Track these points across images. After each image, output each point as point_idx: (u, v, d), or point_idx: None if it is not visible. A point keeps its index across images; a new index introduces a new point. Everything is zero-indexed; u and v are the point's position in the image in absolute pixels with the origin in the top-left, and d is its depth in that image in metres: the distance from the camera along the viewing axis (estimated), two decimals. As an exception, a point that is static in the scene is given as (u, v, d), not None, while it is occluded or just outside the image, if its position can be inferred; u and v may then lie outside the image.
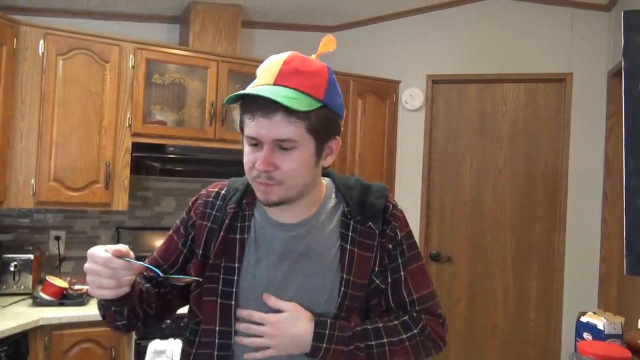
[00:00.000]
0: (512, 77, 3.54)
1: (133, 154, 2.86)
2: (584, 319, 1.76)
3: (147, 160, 2.95)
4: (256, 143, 1.04)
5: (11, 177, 2.60)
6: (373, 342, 1.09)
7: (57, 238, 3.00)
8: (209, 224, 1.17)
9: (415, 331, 1.13)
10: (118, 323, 1.14)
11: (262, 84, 1.03)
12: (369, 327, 1.11)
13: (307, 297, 1.11)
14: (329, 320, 1.08)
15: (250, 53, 3.55)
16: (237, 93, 1.01)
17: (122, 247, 1.00)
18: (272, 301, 1.10)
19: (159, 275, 1.07)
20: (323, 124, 1.04)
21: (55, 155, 2.68)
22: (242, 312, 1.11)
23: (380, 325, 1.12)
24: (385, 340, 1.10)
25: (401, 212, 1.20)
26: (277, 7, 3.43)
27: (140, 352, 2.49)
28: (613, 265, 3.24)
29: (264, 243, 1.14)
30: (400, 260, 1.15)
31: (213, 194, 1.21)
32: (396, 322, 1.14)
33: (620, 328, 1.67)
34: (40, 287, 2.61)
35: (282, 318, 1.08)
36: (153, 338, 2.50)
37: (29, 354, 2.36)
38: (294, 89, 1.00)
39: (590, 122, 3.38)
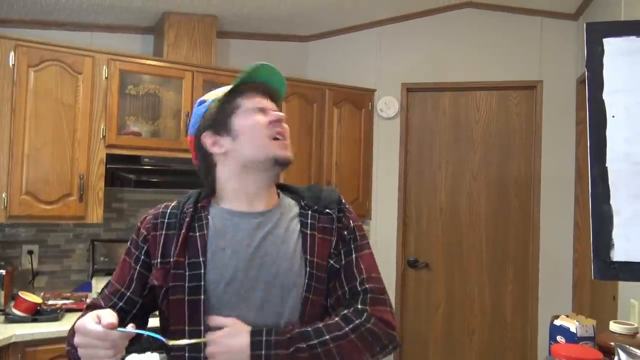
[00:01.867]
0: (485, 85, 3.61)
1: (107, 166, 2.82)
2: (557, 322, 1.78)
3: (122, 171, 2.92)
4: (264, 109, 1.24)
5: (-18, 191, 2.55)
6: (315, 341, 1.10)
7: (30, 252, 2.94)
8: (164, 232, 1.22)
9: (358, 321, 1.14)
10: None
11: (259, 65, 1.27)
12: (309, 328, 1.12)
13: (275, 280, 1.15)
14: (264, 328, 1.10)
15: (225, 63, 3.55)
16: (257, 67, 1.26)
17: (112, 318, 1.00)
18: (213, 320, 1.12)
19: (164, 342, 1.06)
20: None
21: (27, 169, 2.63)
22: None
23: (320, 325, 1.13)
24: (327, 337, 1.11)
25: (351, 207, 1.32)
26: (252, 17, 3.44)
27: (117, 367, 2.45)
28: (585, 269, 3.30)
29: (227, 232, 1.20)
30: (352, 245, 1.24)
31: (161, 208, 1.28)
32: (337, 319, 1.15)
33: (592, 330, 1.70)
34: (12, 303, 2.56)
35: (222, 334, 1.10)
36: (131, 352, 2.46)
37: (2, 371, 2.31)
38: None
39: (560, 128, 3.46)
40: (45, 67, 2.68)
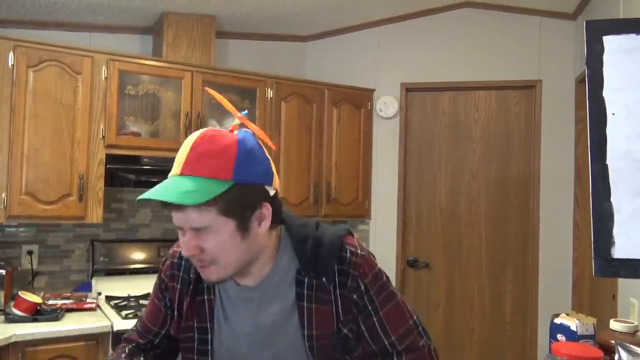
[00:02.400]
0: (484, 84, 3.61)
1: (107, 166, 2.83)
2: (557, 320, 1.79)
3: (122, 172, 2.92)
4: (181, 227, 1.05)
5: (-19, 191, 2.55)
6: None
7: (30, 252, 2.94)
8: (179, 286, 1.21)
9: None
10: None
11: (172, 175, 1.04)
12: None
13: (278, 354, 1.15)
14: None
15: (224, 63, 3.55)
16: (141, 197, 1.01)
17: None
18: None
19: None
20: (238, 202, 1.02)
21: (26, 169, 2.63)
22: None
23: None
24: None
25: (362, 256, 1.15)
26: (251, 17, 3.45)
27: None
28: (585, 268, 3.31)
29: (228, 303, 1.18)
30: (370, 308, 1.14)
31: (177, 255, 1.23)
32: None
33: (593, 329, 1.71)
34: (12, 303, 2.56)
35: None
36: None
37: (2, 372, 2.30)
38: (199, 176, 0.99)
39: (560, 127, 3.46)
40: (44, 67, 2.67)
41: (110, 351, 2.53)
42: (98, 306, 2.80)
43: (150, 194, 1.00)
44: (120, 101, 2.87)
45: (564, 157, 3.44)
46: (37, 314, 2.53)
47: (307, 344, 1.12)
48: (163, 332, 1.26)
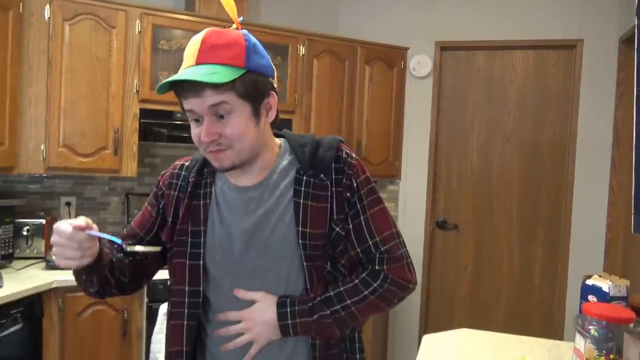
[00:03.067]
0: (522, 44, 3.51)
1: (141, 120, 2.86)
2: (589, 281, 1.77)
3: (155, 126, 2.95)
4: (197, 118, 1.11)
5: (21, 143, 2.62)
6: (338, 306, 1.17)
7: (68, 204, 3.04)
8: (176, 193, 1.26)
9: (376, 284, 1.20)
10: (90, 290, 1.23)
11: (186, 67, 1.10)
12: (332, 294, 1.18)
13: (271, 253, 1.18)
14: (288, 299, 1.17)
15: (256, 19, 3.51)
16: (165, 81, 1.08)
17: (83, 221, 1.08)
18: (242, 294, 1.19)
19: (121, 245, 1.17)
20: (252, 87, 1.10)
21: (64, 122, 2.69)
22: (219, 316, 1.20)
23: (342, 288, 1.19)
24: (349, 301, 1.18)
25: (357, 160, 1.23)
26: (284, -28, 3.38)
27: (152, 314, 2.54)
28: (618, 232, 3.25)
29: (225, 206, 1.22)
30: (359, 206, 1.20)
31: (178, 166, 1.30)
32: (356, 281, 1.20)
33: (626, 290, 1.69)
34: (52, 251, 2.65)
35: (254, 309, 1.18)
36: (164, 301, 2.55)
37: (44, 315, 2.41)
38: (215, 63, 1.07)
39: (600, 89, 3.35)
40: (80, 20, 2.69)
41: (146, 299, 2.62)
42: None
43: (172, 78, 1.06)
44: (154, 56, 2.88)
45: (602, 120, 3.34)
46: (75, 262, 2.62)
47: (300, 241, 1.15)
48: (147, 238, 1.29)
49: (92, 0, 2.72)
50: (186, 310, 1.20)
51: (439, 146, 3.71)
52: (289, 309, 1.16)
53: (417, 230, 3.66)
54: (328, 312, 1.16)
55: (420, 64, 3.66)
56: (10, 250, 2.63)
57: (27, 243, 2.73)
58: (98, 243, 1.14)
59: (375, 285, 1.20)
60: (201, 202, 1.23)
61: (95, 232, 1.09)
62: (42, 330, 2.42)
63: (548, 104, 3.51)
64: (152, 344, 2.49)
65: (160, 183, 1.31)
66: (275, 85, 1.18)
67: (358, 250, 1.21)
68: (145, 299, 2.62)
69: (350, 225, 1.19)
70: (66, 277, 2.48)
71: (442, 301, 3.69)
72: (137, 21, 2.82)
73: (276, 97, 1.18)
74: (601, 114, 3.35)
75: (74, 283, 2.53)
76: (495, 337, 1.95)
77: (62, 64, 2.67)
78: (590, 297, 1.74)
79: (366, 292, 1.19)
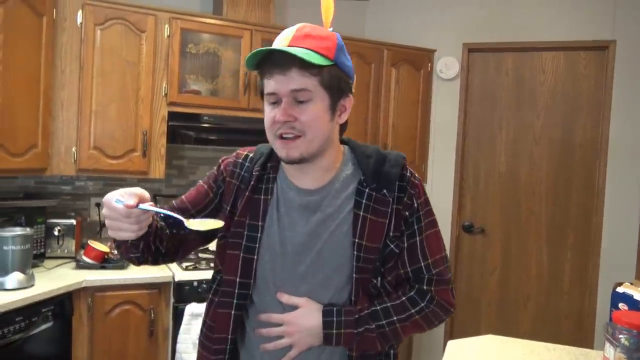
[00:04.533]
0: (552, 45, 3.44)
1: (169, 123, 2.91)
2: (620, 289, 1.73)
3: (183, 129, 2.99)
4: (275, 101, 1.12)
5: (53, 145, 2.69)
6: (384, 322, 1.17)
7: (98, 205, 3.10)
8: (238, 183, 1.25)
9: (423, 304, 1.21)
10: (132, 255, 1.19)
11: (277, 46, 1.12)
12: (378, 308, 1.17)
13: (324, 260, 1.17)
14: (335, 308, 1.16)
15: (283, 22, 3.53)
16: (256, 50, 1.09)
17: (139, 192, 1.04)
18: (286, 298, 1.18)
19: (182, 221, 1.10)
20: (336, 81, 1.12)
21: (94, 124, 2.75)
22: (262, 316, 1.20)
23: (389, 304, 1.18)
24: (395, 318, 1.18)
25: (419, 180, 1.24)
26: (311, -25, 3.39)
27: (178, 315, 2.57)
28: (652, 238, 3.17)
29: (284, 205, 1.21)
30: (416, 227, 1.20)
31: (242, 156, 1.29)
32: (404, 299, 1.20)
33: (658, 299, 1.64)
34: (82, 251, 2.72)
35: (297, 314, 1.17)
36: (190, 301, 2.58)
37: (74, 313, 2.47)
38: (307, 48, 1.09)
39: (633, 92, 3.27)
40: (111, 25, 2.75)
41: (172, 300, 2.66)
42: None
43: (267, 48, 1.08)
44: (182, 59, 2.92)
45: (635, 123, 3.26)
46: (104, 262, 2.68)
47: (355, 253, 1.15)
48: (197, 217, 1.23)
49: (122, 5, 2.78)
50: (235, 301, 1.20)
51: (466, 149, 3.67)
52: (335, 319, 1.15)
53: (443, 234, 3.61)
54: (374, 326, 1.16)
55: (447, 66, 3.63)
56: (42, 250, 2.70)
57: (58, 243, 2.80)
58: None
59: (422, 305, 1.20)
60: (262, 197, 1.21)
61: (149, 206, 1.04)
62: (71, 328, 2.47)
63: (579, 107, 3.44)
64: (178, 343, 2.53)
65: (222, 167, 1.29)
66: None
67: (409, 269, 1.21)
68: (172, 300, 2.66)
69: (405, 244, 1.20)
70: (95, 277, 2.54)
71: (469, 306, 3.65)
72: (166, 25, 2.86)
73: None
74: (634, 117, 3.27)
75: (103, 283, 2.59)
76: (522, 344, 1.92)
77: (94, 67, 2.73)
78: (621, 305, 1.70)
79: (413, 311, 1.20)
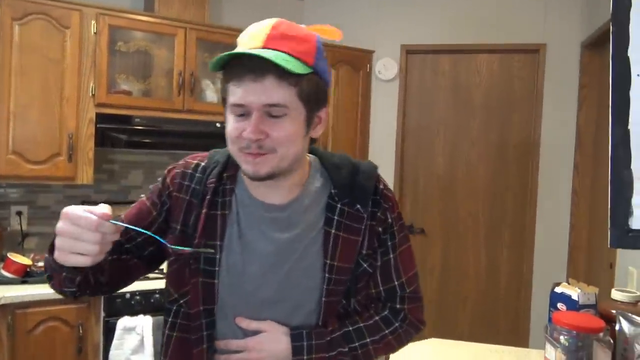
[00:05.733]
0: (487, 48, 3.52)
1: (97, 125, 2.74)
2: (558, 289, 1.76)
3: (113, 131, 2.83)
4: (243, 113, 0.97)
5: (-34, 149, 2.47)
6: (357, 344, 1.09)
7: (19, 213, 2.88)
8: (188, 197, 1.09)
9: (397, 324, 1.15)
10: (65, 290, 1.04)
11: (251, 47, 0.96)
12: (351, 329, 1.09)
13: (291, 283, 1.07)
14: (304, 332, 1.06)
15: (219, 20, 3.42)
16: (226, 53, 0.94)
17: (107, 208, 0.89)
18: (246, 324, 1.06)
19: (166, 244, 1.00)
20: (314, 91, 1.00)
21: (13, 127, 2.54)
22: (220, 343, 1.07)
23: (361, 325, 1.11)
24: (368, 340, 1.10)
25: (391, 192, 1.17)
26: (247, -27, 3.30)
27: (109, 329, 2.42)
28: (582, 236, 3.29)
29: (245, 221, 1.08)
30: (389, 243, 1.13)
31: (192, 166, 1.12)
32: (377, 318, 1.13)
33: (594, 298, 1.68)
34: (1, 265, 2.51)
35: (262, 339, 1.05)
36: (122, 315, 2.44)
37: (-9, 333, 2.27)
38: (285, 52, 0.95)
39: (562, 93, 3.39)
40: (31, 20, 2.56)
41: (103, 314, 2.50)
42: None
43: (239, 51, 0.94)
44: (111, 58, 2.76)
45: (565, 123, 3.38)
46: (26, 275, 2.49)
47: (326, 275, 1.05)
48: (139, 239, 1.11)
49: (43, -1, 2.59)
50: (205, 333, 1.06)
51: (405, 151, 3.69)
52: (305, 342, 1.05)
53: (384, 235, 3.63)
54: (347, 348, 1.07)
55: (385, 67, 3.64)
56: (-45, 264, 2.47)
57: (-27, 256, 2.57)
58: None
59: (396, 324, 1.14)
60: (219, 213, 1.07)
61: (121, 222, 0.91)
62: (-11, 350, 2.28)
63: (513, 108, 3.53)
64: (110, 360, 2.38)
65: (168, 180, 1.12)
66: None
67: (381, 289, 1.13)
68: (102, 314, 2.50)
69: (379, 263, 1.12)
70: (16, 293, 2.34)
71: (409, 306, 3.66)
72: (93, 22, 2.69)
73: (328, 113, 1.07)
74: (564, 118, 3.38)
75: (24, 299, 2.39)
76: (465, 346, 1.92)
77: (12, 65, 2.53)
78: (560, 305, 1.73)
79: (387, 332, 1.13)
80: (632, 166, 0.96)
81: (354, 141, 3.59)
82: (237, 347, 1.06)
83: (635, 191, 0.97)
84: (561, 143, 3.39)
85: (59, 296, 2.45)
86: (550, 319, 1.67)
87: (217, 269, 1.06)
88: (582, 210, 3.29)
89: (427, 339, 1.98)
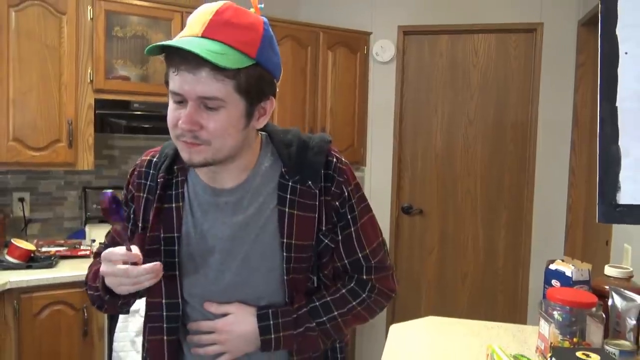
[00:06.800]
0: (484, 27, 3.51)
1: (96, 111, 2.75)
2: (552, 266, 1.79)
3: (112, 117, 2.84)
4: (181, 100, 0.97)
5: (-33, 137, 2.49)
6: (324, 318, 1.10)
7: (21, 200, 2.91)
8: (145, 195, 1.13)
9: (364, 295, 1.15)
10: (122, 311, 1.20)
11: (189, 35, 0.95)
12: (318, 304, 1.10)
13: (251, 265, 1.09)
14: (270, 311, 1.08)
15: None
16: (158, 43, 0.93)
17: (136, 256, 1.00)
18: (215, 308, 1.09)
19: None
20: (255, 84, 0.97)
21: (13, 114, 2.55)
22: (191, 325, 1.12)
23: (328, 299, 1.12)
24: (336, 313, 1.12)
25: (346, 164, 1.14)
26: (243, -45, 3.28)
27: (113, 312, 2.46)
28: (579, 214, 3.32)
29: (199, 209, 1.10)
30: (350, 216, 1.12)
31: (145, 163, 1.16)
32: (343, 291, 1.14)
33: (588, 274, 1.71)
34: (5, 251, 2.54)
35: (229, 321, 1.08)
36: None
37: (-2, 317, 2.31)
38: (224, 43, 0.93)
39: (559, 72, 3.39)
40: (27, 6, 2.55)
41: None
42: (92, 253, 2.79)
43: (178, 42, 0.92)
44: (108, 43, 2.76)
45: (562, 102, 3.39)
46: (31, 261, 2.52)
47: (285, 254, 1.06)
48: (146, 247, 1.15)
49: (39, -15, 2.58)
50: (165, 325, 1.10)
51: (403, 131, 3.70)
52: (272, 322, 1.07)
53: (383, 216, 3.66)
54: (314, 324, 1.09)
55: (383, 49, 3.63)
56: (-40, 251, 2.50)
57: (-22, 242, 2.61)
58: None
59: (363, 295, 1.15)
60: (173, 205, 1.10)
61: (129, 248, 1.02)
62: (-3, 333, 2.32)
63: (510, 87, 3.53)
64: (115, 342, 2.41)
65: (130, 185, 1.17)
66: (277, 90, 1.06)
67: (346, 262, 1.14)
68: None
69: (340, 237, 1.12)
70: (21, 277, 2.38)
71: (409, 287, 3.71)
72: (89, 7, 2.69)
73: (274, 103, 1.05)
74: (561, 97, 3.39)
75: (29, 283, 2.43)
76: (462, 324, 1.95)
77: (9, 52, 2.53)
78: (554, 282, 1.76)
79: (354, 303, 1.13)
80: (620, 142, 0.98)
81: (353, 123, 3.60)
82: (207, 329, 1.10)
83: (622, 167, 0.99)
84: (558, 122, 3.40)
85: (64, 280, 2.50)
86: (544, 295, 1.70)
87: (176, 260, 1.09)
88: (579, 188, 3.32)
89: (425, 317, 2.02)
